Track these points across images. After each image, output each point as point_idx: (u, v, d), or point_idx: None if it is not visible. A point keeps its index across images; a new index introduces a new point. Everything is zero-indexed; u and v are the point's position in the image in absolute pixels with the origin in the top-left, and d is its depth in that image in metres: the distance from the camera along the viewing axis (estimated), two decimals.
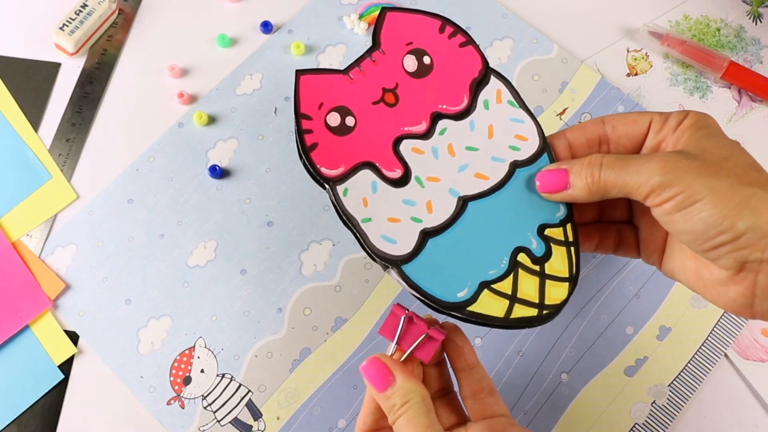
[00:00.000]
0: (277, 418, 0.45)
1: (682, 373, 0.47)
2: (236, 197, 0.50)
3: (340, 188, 0.38)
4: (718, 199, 0.32)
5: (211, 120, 0.52)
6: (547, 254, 0.38)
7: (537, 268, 0.38)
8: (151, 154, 0.51)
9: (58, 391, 0.46)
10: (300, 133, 0.39)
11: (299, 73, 0.40)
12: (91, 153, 0.51)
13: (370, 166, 0.39)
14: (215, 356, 0.46)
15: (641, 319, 0.48)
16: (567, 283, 0.38)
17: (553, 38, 0.55)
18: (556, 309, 0.37)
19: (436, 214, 0.38)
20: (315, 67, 0.40)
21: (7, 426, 0.45)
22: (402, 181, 0.39)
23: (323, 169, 0.38)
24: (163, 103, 0.53)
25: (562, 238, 0.39)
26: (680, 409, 0.46)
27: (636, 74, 0.54)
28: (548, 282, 0.38)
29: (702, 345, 0.47)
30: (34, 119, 0.52)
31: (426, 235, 0.38)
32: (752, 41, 0.55)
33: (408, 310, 0.38)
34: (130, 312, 0.47)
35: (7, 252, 0.48)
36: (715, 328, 0.47)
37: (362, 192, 0.38)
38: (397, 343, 0.37)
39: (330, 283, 0.48)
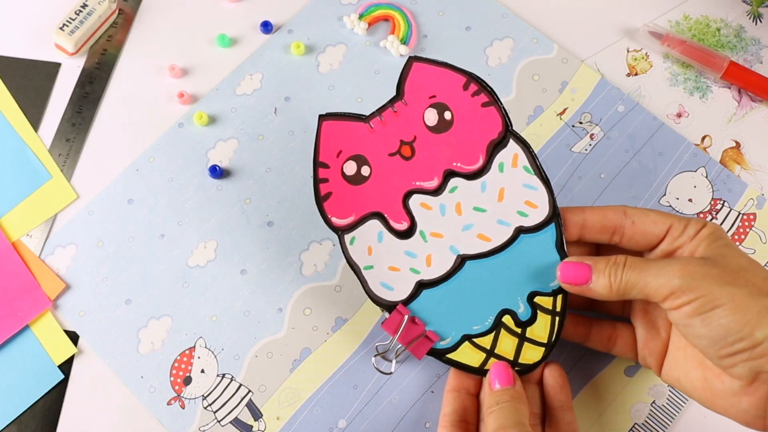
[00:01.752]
0: (278, 418, 0.45)
1: None
2: (236, 197, 0.50)
3: (347, 237, 0.41)
4: (738, 307, 0.32)
5: (211, 120, 0.52)
6: (532, 319, 0.40)
7: (519, 330, 0.40)
8: (151, 154, 0.51)
9: (58, 391, 0.46)
10: (316, 182, 0.41)
11: (322, 118, 0.41)
12: (91, 153, 0.51)
13: (378, 216, 0.41)
14: (215, 356, 0.46)
15: None
16: (543, 348, 0.40)
17: (553, 38, 0.55)
18: (527, 368, 0.40)
19: (434, 268, 0.40)
20: (338, 111, 0.42)
21: (7, 426, 0.45)
22: (407, 234, 0.40)
23: (334, 219, 0.41)
24: (163, 103, 0.53)
25: (550, 308, 0.40)
26: (680, 409, 0.46)
27: (636, 74, 0.54)
28: (526, 344, 0.40)
29: None
30: (34, 119, 0.52)
31: (421, 286, 0.40)
32: (752, 41, 0.55)
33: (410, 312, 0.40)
34: (130, 312, 0.47)
35: (7, 252, 0.48)
36: None
37: (368, 241, 0.40)
38: (397, 339, 0.39)
39: (330, 283, 0.48)
